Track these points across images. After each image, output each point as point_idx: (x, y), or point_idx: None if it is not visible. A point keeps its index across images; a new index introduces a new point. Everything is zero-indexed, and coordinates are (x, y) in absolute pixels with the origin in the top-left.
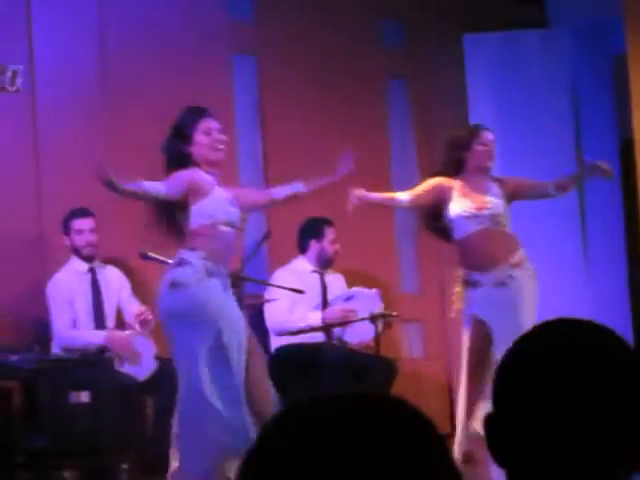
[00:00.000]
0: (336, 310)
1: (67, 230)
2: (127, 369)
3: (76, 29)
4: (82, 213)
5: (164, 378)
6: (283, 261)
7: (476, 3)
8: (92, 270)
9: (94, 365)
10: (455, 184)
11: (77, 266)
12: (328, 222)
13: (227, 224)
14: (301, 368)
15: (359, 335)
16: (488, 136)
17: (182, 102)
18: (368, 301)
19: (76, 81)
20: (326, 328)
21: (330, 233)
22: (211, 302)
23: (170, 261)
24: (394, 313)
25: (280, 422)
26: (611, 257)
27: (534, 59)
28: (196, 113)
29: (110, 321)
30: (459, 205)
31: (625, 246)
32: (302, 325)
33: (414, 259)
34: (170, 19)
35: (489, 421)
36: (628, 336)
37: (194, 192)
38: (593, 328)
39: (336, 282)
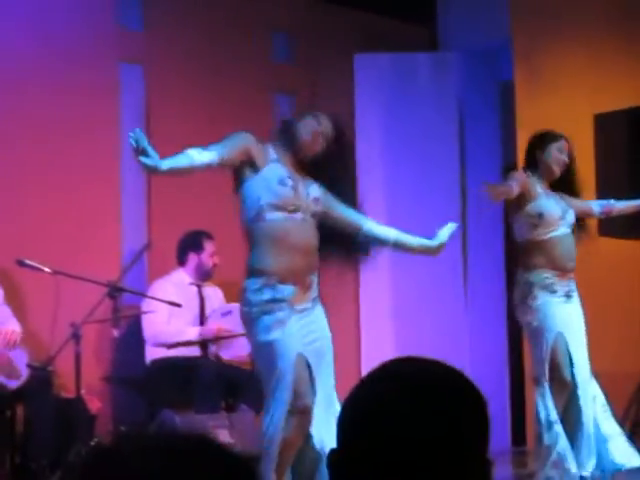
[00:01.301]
0: (213, 328)
1: None
2: None
3: None
4: None
5: (35, 386)
6: (163, 272)
7: (369, 24)
8: None
9: None
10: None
11: None
12: (208, 235)
13: (278, 208)
14: (176, 381)
15: (235, 350)
16: (565, 145)
17: (68, 107)
18: None
19: None
20: (202, 343)
21: (209, 246)
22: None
23: (46, 269)
24: None
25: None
26: (490, 279)
27: (423, 81)
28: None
29: None
30: (550, 203)
31: (504, 268)
32: (179, 338)
33: None
34: (56, 25)
35: (332, 457)
36: (503, 357)
37: (248, 162)
38: (440, 369)
39: (214, 295)
